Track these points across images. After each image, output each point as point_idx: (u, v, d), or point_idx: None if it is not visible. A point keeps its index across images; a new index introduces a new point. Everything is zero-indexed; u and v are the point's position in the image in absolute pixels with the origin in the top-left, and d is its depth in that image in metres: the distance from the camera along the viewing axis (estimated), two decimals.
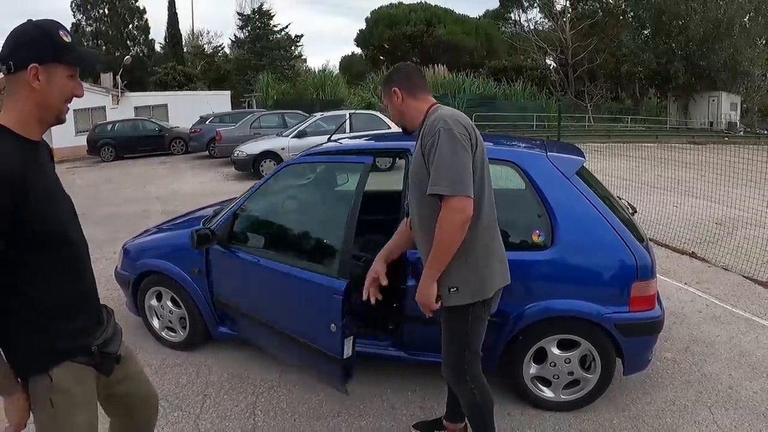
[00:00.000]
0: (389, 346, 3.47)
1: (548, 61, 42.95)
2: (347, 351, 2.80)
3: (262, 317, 3.41)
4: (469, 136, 2.24)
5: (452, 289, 2.30)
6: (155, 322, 4.22)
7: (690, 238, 7.11)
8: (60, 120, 1.68)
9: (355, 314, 3.73)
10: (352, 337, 2.83)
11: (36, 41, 1.57)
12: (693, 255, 6.63)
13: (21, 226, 1.52)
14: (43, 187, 1.60)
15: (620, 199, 3.96)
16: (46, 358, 1.64)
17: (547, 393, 3.28)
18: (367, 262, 4.11)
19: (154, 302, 4.17)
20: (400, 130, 2.56)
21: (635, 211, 4.14)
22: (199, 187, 12.38)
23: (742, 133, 28.99)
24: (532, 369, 3.24)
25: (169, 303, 4.07)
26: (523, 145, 3.67)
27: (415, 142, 2.43)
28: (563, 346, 3.18)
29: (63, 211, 1.69)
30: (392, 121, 2.58)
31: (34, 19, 1.63)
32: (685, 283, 5.63)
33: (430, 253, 2.28)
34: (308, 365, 3.21)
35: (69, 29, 1.66)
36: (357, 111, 17.43)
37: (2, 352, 1.57)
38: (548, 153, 3.32)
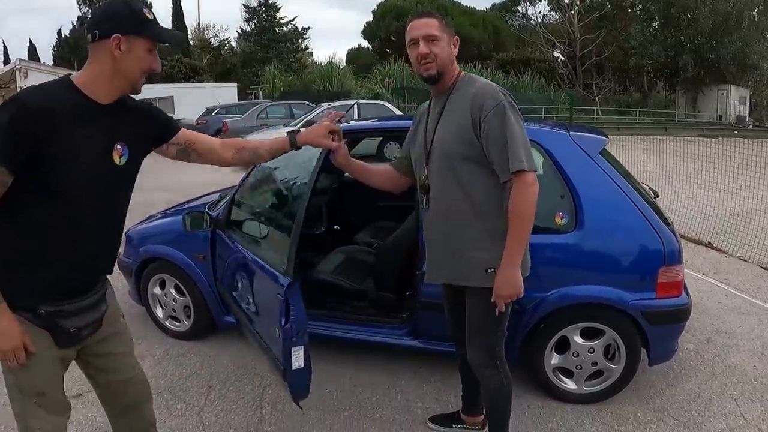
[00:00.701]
0: (403, 336, 3.34)
1: (556, 54, 42.81)
2: (296, 362, 2.38)
3: (244, 309, 3.20)
4: None
5: (490, 270, 2.23)
6: (159, 311, 4.09)
7: (705, 229, 6.98)
8: (135, 90, 1.77)
9: (366, 305, 3.64)
10: (302, 346, 2.39)
11: (120, 14, 1.67)
12: (709, 245, 6.51)
13: (28, 167, 1.57)
14: (69, 143, 1.62)
15: (642, 183, 3.82)
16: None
17: (570, 384, 3.13)
18: (378, 249, 3.99)
19: (157, 290, 4.04)
20: (425, 78, 2.27)
21: (657, 195, 4.01)
22: (205, 178, 12.25)
23: (750, 126, 28.88)
24: (554, 359, 3.10)
25: (173, 291, 3.94)
26: (544, 125, 3.53)
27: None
28: (587, 334, 3.04)
29: (80, 175, 1.68)
30: (434, 61, 2.21)
31: None
32: (703, 274, 5.50)
33: (485, 233, 2.24)
34: (274, 370, 2.73)
35: (149, 8, 1.75)
36: (364, 100, 17.34)
37: None
38: (570, 132, 3.17)
